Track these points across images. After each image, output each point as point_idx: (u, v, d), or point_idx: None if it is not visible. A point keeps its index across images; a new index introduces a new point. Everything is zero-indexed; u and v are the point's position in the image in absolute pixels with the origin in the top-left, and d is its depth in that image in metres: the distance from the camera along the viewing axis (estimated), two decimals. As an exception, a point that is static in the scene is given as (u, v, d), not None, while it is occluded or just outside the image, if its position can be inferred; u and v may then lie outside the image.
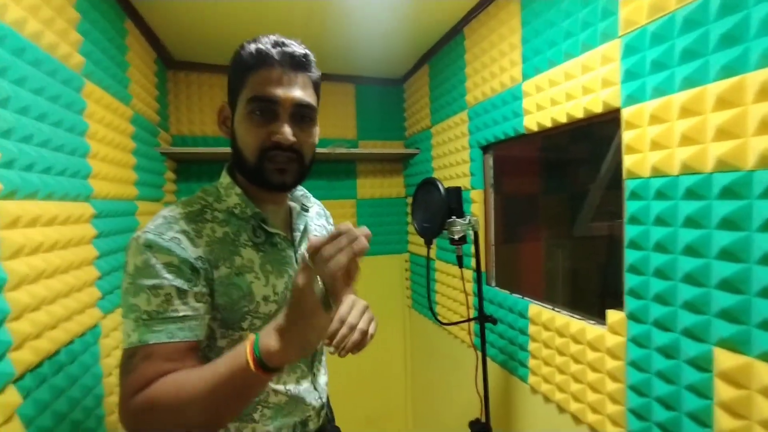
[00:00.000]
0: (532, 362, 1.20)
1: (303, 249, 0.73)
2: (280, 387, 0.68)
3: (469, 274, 1.53)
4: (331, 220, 0.91)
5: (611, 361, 0.92)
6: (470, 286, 1.53)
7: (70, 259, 0.89)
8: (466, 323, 1.16)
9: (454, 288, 1.69)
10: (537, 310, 1.18)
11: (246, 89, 0.61)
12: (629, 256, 0.86)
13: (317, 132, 0.69)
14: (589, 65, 0.95)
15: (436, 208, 0.94)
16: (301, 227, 0.74)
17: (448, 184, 1.70)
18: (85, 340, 0.96)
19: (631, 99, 0.85)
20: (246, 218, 0.66)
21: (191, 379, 0.51)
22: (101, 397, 1.05)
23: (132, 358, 0.54)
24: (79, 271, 0.94)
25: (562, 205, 1.33)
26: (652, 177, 0.80)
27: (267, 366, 0.47)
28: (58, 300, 0.85)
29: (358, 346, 0.65)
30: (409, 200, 2.16)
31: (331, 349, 0.64)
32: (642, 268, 0.84)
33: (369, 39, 1.69)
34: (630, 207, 0.86)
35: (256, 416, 0.67)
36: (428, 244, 1.00)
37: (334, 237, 0.43)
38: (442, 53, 1.72)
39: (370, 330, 0.67)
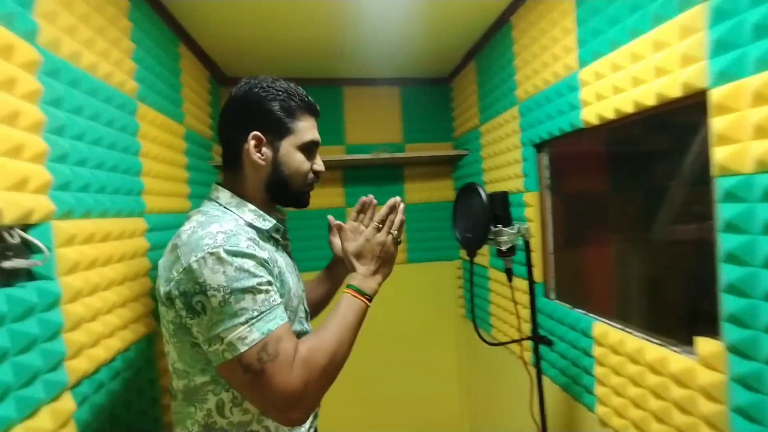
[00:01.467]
0: (599, 389, 1.05)
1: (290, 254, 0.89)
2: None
3: (524, 286, 1.40)
4: None
5: (707, 404, 0.75)
6: (526, 299, 1.39)
7: (124, 272, 0.95)
8: (520, 342, 1.04)
9: (510, 299, 1.55)
10: (603, 329, 1.03)
11: (299, 131, 0.78)
12: (728, 273, 0.69)
13: None
14: (664, 41, 0.80)
15: (478, 216, 0.85)
16: (287, 235, 0.89)
17: (499, 186, 1.58)
18: (139, 347, 1.02)
19: (723, 76, 0.68)
20: (262, 230, 0.76)
21: (326, 333, 0.67)
22: (157, 399, 1.12)
23: (265, 349, 0.60)
24: (134, 283, 1.01)
25: (636, 205, 1.14)
26: (757, 173, 0.64)
27: (372, 298, 0.75)
28: (114, 310, 0.91)
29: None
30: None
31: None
32: (746, 288, 0.66)
33: (412, 39, 1.63)
34: (725, 210, 0.69)
35: None
36: (471, 256, 0.91)
37: (390, 206, 0.78)
38: (488, 47, 1.60)
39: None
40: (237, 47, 1.61)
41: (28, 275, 0.69)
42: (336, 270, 1.01)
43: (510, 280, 0.97)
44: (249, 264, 0.63)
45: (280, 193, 0.80)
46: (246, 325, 0.60)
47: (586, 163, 1.28)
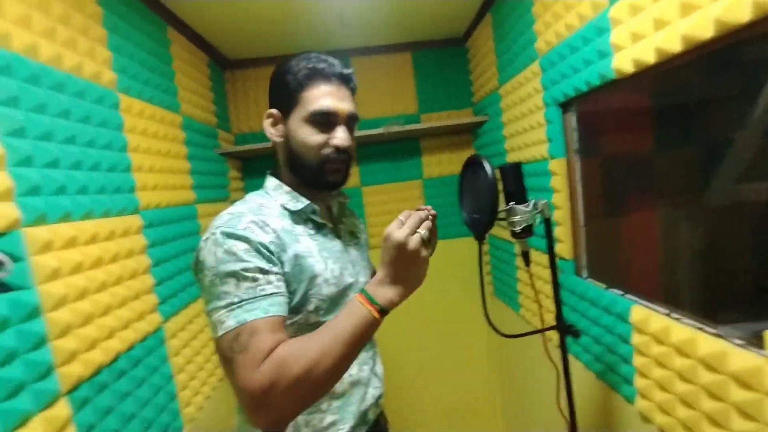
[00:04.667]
0: (639, 381, 0.92)
1: (347, 239, 0.81)
2: (345, 374, 0.65)
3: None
4: (360, 220, 0.96)
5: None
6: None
7: (119, 273, 0.93)
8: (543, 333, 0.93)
9: (539, 278, 1.41)
10: (643, 313, 0.88)
11: (305, 101, 0.69)
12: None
13: None
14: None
15: (484, 193, 0.73)
16: (343, 220, 0.83)
17: (522, 154, 1.41)
18: (146, 345, 1.01)
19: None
20: (298, 212, 0.72)
21: (313, 340, 0.58)
22: (174, 392, 1.13)
23: (237, 339, 0.57)
24: (134, 281, 0.99)
25: (688, 164, 0.94)
26: None
27: (387, 311, 0.60)
28: (111, 311, 0.90)
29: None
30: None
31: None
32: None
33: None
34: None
35: (324, 407, 0.72)
36: (479, 239, 0.79)
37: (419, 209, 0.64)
38: (504, -7, 1.39)
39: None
40: (233, 28, 1.52)
41: (4, 287, 0.67)
42: None
43: (527, 264, 0.85)
44: (240, 247, 0.61)
45: (299, 173, 0.73)
46: (225, 310, 0.58)
47: (625, 119, 1.08)
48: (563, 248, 1.20)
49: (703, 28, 0.65)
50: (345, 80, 0.72)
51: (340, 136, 0.70)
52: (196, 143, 1.45)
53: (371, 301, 0.59)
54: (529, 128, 1.33)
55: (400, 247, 0.58)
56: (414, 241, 0.59)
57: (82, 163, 0.86)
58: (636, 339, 0.91)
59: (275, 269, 0.62)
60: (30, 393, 0.67)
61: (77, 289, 0.80)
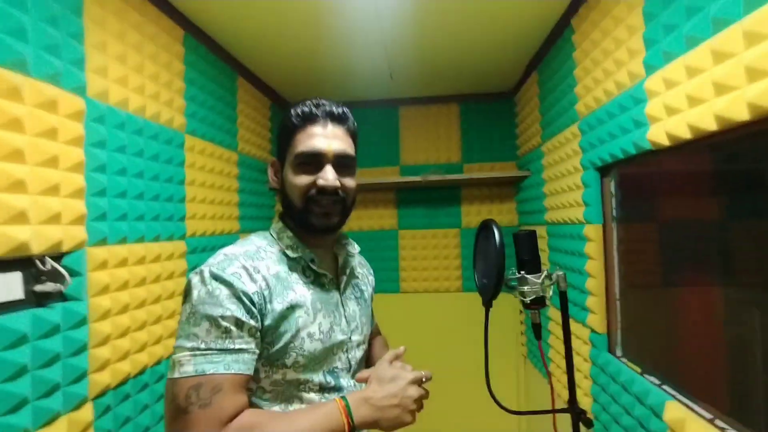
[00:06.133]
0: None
1: (348, 292, 0.77)
2: None
3: (585, 334, 1.16)
4: (372, 272, 0.92)
5: None
6: (585, 351, 1.16)
7: (158, 292, 1.04)
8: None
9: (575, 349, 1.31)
10: (680, 413, 0.78)
11: (294, 145, 0.69)
12: None
13: (355, 179, 0.75)
14: (759, 31, 0.58)
15: (492, 260, 0.72)
16: (347, 271, 0.77)
17: (558, 214, 1.36)
18: (172, 362, 1.10)
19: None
20: (296, 258, 0.70)
21: (284, 420, 0.57)
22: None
23: (198, 390, 0.55)
24: (170, 301, 1.09)
25: (761, 237, 0.82)
26: None
27: (356, 429, 0.59)
28: (146, 327, 1.00)
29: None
30: (521, 229, 1.83)
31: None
32: None
33: (466, 53, 1.53)
34: None
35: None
36: (486, 306, 0.78)
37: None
38: (550, 55, 1.41)
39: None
40: (292, 76, 1.70)
41: (62, 297, 0.79)
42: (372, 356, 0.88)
43: (538, 337, 0.80)
44: (222, 292, 0.59)
45: (293, 218, 0.71)
46: (189, 353, 0.56)
47: (679, 184, 0.98)
48: (595, 321, 1.11)
49: (738, 111, 0.62)
50: (337, 120, 0.70)
51: (325, 177, 0.67)
52: (248, 178, 1.60)
53: (349, 413, 0.59)
54: (568, 189, 1.29)
55: (405, 387, 0.62)
56: (418, 391, 0.63)
57: (145, 194, 1.00)
58: (671, 439, 0.80)
59: (252, 322, 0.60)
60: (62, 395, 0.76)
61: (120, 304, 0.90)
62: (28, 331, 0.70)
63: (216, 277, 0.60)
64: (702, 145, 0.76)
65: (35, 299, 0.74)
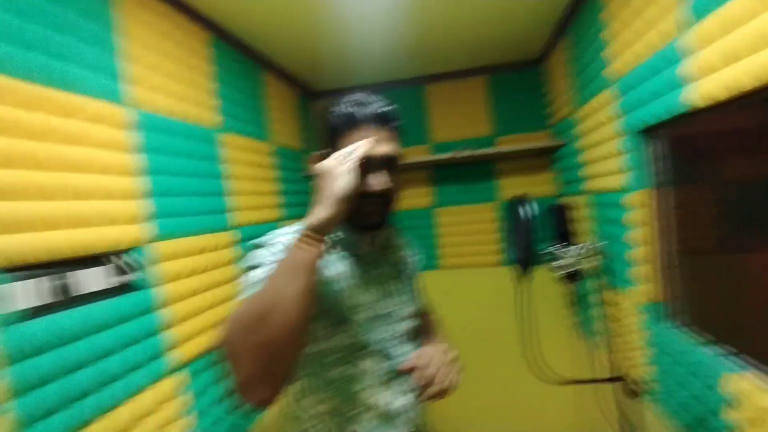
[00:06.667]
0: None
1: (388, 270, 0.82)
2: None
3: (635, 304, 1.13)
4: (416, 253, 0.96)
5: None
6: (636, 322, 1.13)
7: (218, 279, 1.14)
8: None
9: (620, 320, 1.28)
10: (747, 384, 0.73)
11: (338, 148, 0.70)
12: None
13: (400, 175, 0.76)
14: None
15: (523, 233, 0.73)
16: (388, 250, 0.83)
17: (597, 183, 1.31)
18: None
19: None
20: (338, 240, 0.76)
21: (260, 289, 0.60)
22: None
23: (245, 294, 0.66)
24: (219, 290, 1.17)
25: None
26: None
27: (316, 228, 0.61)
28: (213, 309, 1.11)
29: (435, 396, 0.72)
30: (563, 199, 1.78)
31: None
32: None
33: (494, 21, 1.47)
34: None
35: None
36: (520, 278, 0.79)
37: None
38: (577, 16, 1.33)
39: (449, 383, 0.74)
40: (317, 64, 1.72)
41: (135, 287, 0.88)
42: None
43: (578, 309, 0.80)
44: (264, 254, 0.70)
45: None
46: (242, 291, 0.68)
47: (741, 141, 0.90)
48: (649, 290, 1.08)
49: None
50: (382, 121, 0.71)
51: (373, 182, 0.69)
52: (285, 167, 1.66)
53: (303, 231, 0.62)
54: (607, 156, 1.23)
55: (323, 173, 0.64)
56: (332, 163, 0.64)
57: (197, 191, 1.09)
58: (737, 416, 0.75)
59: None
60: (145, 370, 0.87)
61: (190, 289, 1.02)
62: (110, 318, 0.80)
63: (258, 246, 0.71)
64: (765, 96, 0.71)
65: (115, 290, 0.84)
